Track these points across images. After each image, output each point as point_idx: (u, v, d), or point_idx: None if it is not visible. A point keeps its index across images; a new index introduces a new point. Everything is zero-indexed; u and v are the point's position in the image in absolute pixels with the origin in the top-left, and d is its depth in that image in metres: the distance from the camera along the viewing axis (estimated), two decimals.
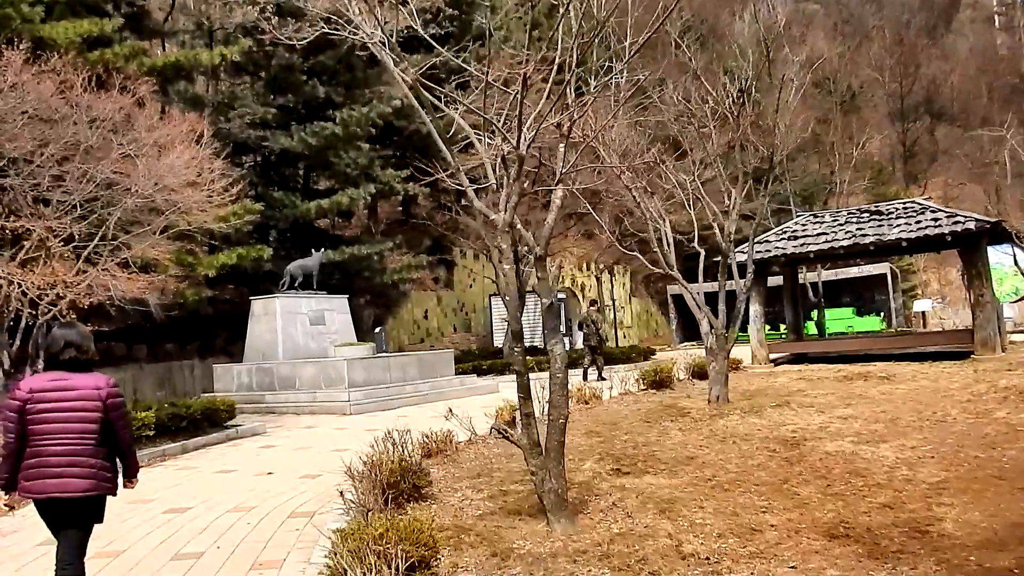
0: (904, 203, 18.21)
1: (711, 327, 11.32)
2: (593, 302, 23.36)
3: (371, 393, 15.47)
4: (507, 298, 5.71)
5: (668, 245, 11.54)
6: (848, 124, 41.65)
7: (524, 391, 5.71)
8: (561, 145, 6.05)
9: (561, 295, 30.52)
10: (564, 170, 5.93)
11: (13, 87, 11.46)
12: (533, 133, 5.38)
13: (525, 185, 5.98)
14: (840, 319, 37.29)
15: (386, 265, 23.65)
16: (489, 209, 5.82)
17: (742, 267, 17.50)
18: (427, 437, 8.41)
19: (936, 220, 16.41)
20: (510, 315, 5.68)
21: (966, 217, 16.44)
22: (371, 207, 29.47)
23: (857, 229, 17.51)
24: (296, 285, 18.07)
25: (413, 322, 26.68)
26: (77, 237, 12.14)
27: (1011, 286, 30.92)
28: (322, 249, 19.12)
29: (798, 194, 34.69)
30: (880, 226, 16.92)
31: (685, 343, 36.62)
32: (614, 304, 39.61)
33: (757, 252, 18.63)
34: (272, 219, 20.97)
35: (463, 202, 26.73)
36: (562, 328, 30.13)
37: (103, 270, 12.02)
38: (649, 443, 8.86)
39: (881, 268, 37.31)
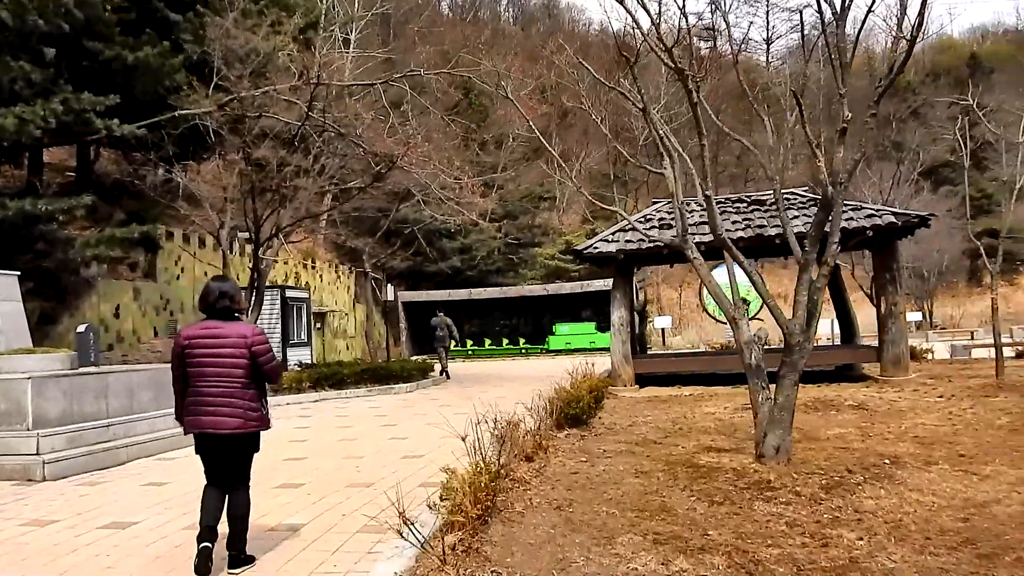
0: (790, 193, 15.43)
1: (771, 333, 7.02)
2: (439, 306, 25.38)
3: (79, 438, 8.78)
4: None
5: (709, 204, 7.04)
6: None
7: None
8: None
9: (303, 294, 24.45)
10: None
11: None
12: None
13: None
14: (583, 334, 35.60)
15: (71, 236, 16.06)
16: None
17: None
18: None
19: (848, 213, 13.47)
20: None
21: (879, 210, 14.09)
22: (35, 156, 20.87)
23: (744, 220, 14.41)
24: None
25: (100, 321, 18.88)
26: None
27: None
28: None
29: None
30: (774, 217, 13.93)
31: (416, 356, 32.16)
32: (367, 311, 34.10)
33: (629, 244, 14.83)
34: None
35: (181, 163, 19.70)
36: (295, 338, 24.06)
37: None
38: (788, 558, 4.26)
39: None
